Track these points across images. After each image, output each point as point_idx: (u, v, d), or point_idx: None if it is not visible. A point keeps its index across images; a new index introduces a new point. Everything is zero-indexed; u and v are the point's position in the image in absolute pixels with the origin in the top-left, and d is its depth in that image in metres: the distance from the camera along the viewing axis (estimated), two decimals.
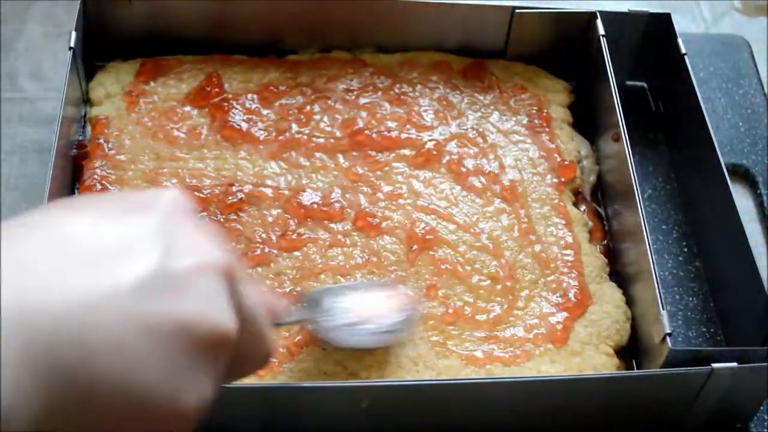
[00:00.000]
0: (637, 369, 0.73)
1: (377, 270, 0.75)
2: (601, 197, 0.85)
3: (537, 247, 0.77)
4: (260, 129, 0.83)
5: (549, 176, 0.82)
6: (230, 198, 0.78)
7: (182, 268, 0.39)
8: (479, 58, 0.90)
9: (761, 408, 0.73)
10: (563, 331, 0.73)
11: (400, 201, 0.79)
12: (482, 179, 0.82)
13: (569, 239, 0.78)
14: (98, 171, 0.79)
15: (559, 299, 0.75)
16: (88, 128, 0.83)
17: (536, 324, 0.73)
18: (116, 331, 0.36)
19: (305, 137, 0.83)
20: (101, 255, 0.38)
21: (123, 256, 0.38)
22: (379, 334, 0.69)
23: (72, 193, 0.78)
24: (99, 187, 0.78)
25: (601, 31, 0.85)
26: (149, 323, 0.37)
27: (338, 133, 0.83)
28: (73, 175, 0.79)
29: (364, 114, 0.85)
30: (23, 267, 0.36)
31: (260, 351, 0.46)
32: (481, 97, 0.88)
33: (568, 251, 0.77)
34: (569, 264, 0.77)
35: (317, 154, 0.82)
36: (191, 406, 0.39)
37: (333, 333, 0.68)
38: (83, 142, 0.82)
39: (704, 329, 0.79)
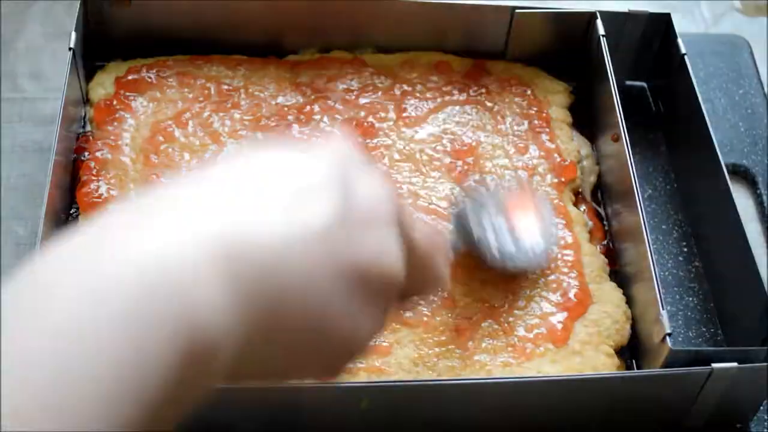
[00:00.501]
0: (637, 369, 0.73)
1: None
2: (601, 197, 0.85)
3: None
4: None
5: (549, 176, 0.82)
6: None
7: (359, 216, 0.41)
8: (479, 59, 0.90)
9: (761, 408, 0.73)
10: (564, 330, 0.73)
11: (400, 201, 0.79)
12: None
13: (569, 239, 0.78)
14: (97, 170, 0.79)
15: (560, 299, 0.75)
16: (88, 128, 0.83)
17: (537, 324, 0.73)
18: (307, 269, 0.38)
19: (305, 137, 0.83)
20: (290, 199, 0.39)
21: (308, 201, 0.40)
22: (540, 253, 0.72)
23: (72, 193, 0.78)
24: (98, 186, 0.78)
25: (601, 31, 0.85)
26: (334, 266, 0.39)
27: (338, 133, 0.83)
28: (73, 175, 0.79)
29: (364, 114, 0.85)
30: (228, 202, 0.38)
31: (430, 281, 0.49)
32: (481, 98, 0.88)
33: (569, 251, 0.77)
34: (569, 264, 0.77)
35: None
36: (365, 339, 0.43)
37: (501, 253, 0.70)
38: (83, 142, 0.82)
39: (704, 329, 0.79)
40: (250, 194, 0.39)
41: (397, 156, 0.82)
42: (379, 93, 0.87)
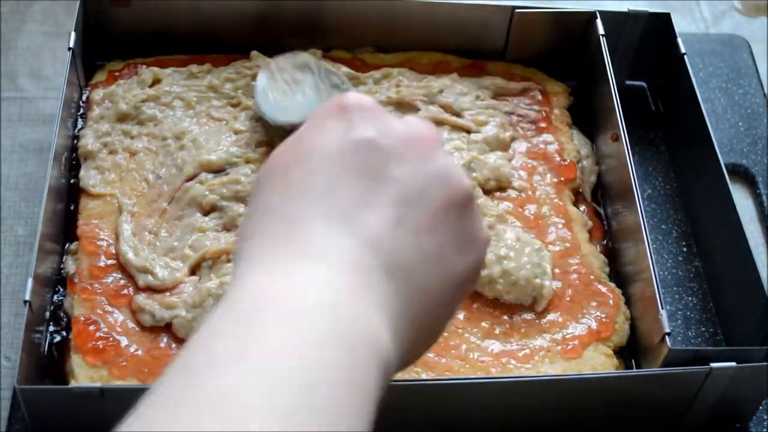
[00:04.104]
0: (637, 369, 0.73)
1: None
2: (600, 197, 0.85)
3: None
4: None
5: (549, 176, 0.82)
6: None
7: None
8: (479, 59, 0.90)
9: (760, 408, 0.73)
10: (578, 347, 0.72)
11: None
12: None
13: (569, 239, 0.78)
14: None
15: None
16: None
17: (555, 339, 0.73)
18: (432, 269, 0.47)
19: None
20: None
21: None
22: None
23: (72, 192, 0.78)
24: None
25: (601, 31, 0.85)
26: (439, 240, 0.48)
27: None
28: (72, 174, 0.79)
29: None
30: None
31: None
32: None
33: (572, 253, 0.78)
34: (579, 268, 0.77)
35: None
36: (476, 266, 0.50)
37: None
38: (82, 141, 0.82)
39: (704, 329, 0.79)
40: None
41: None
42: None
